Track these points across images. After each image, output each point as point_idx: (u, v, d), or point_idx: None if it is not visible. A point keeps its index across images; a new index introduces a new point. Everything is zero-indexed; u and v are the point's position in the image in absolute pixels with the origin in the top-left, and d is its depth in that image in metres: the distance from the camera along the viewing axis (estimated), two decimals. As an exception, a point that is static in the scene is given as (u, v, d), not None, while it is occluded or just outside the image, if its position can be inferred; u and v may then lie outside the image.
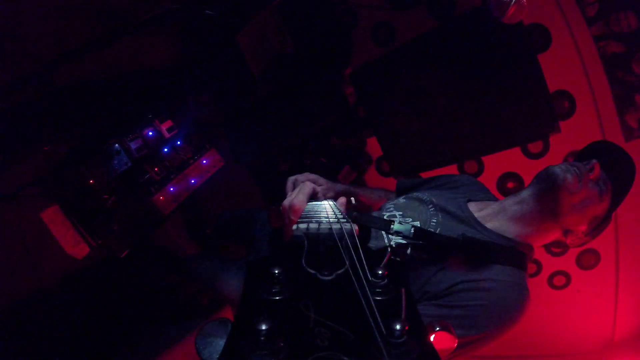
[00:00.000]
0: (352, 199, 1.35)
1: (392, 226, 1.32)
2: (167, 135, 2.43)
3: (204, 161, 2.58)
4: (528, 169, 2.34)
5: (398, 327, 0.53)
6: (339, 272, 0.73)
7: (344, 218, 1.09)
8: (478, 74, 2.07)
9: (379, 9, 2.39)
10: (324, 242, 0.92)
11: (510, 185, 2.38)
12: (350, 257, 0.76)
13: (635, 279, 2.18)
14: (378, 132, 2.32)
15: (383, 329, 0.55)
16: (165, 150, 2.44)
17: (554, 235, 1.34)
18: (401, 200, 1.52)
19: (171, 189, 2.45)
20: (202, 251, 2.31)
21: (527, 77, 1.97)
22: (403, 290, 1.29)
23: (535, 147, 2.30)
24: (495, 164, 2.42)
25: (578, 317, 2.31)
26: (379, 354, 0.51)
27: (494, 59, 2.02)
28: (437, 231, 1.34)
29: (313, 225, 1.03)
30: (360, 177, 2.77)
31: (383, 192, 1.83)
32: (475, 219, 1.36)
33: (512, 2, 1.44)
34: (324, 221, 1.05)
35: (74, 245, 2.09)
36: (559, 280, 2.43)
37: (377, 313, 0.58)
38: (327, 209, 1.25)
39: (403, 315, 1.31)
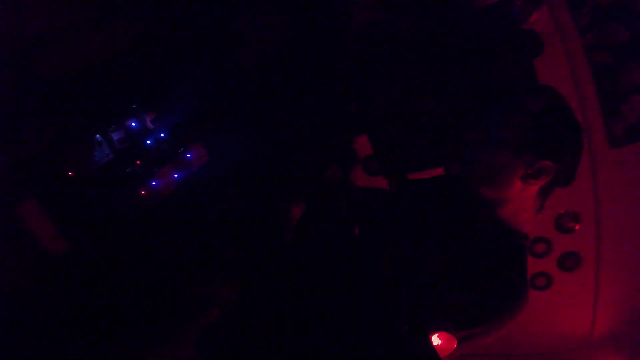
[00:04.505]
0: None
1: None
2: (150, 126, 2.32)
3: (188, 155, 2.49)
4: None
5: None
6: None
7: None
8: (473, 77, 2.10)
9: (374, 8, 2.37)
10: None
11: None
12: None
13: (614, 281, 2.28)
14: (370, 131, 2.31)
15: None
16: (149, 142, 2.34)
17: None
18: None
19: (154, 183, 2.35)
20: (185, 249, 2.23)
21: (521, 80, 2.02)
22: (403, 290, 1.29)
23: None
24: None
25: (559, 317, 2.39)
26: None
27: (490, 62, 2.05)
28: None
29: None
30: (347, 176, 2.75)
31: None
32: None
33: (536, 8, 1.46)
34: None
35: (53, 241, 1.96)
36: (541, 281, 2.48)
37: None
38: None
39: (403, 315, 1.31)
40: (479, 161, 1.36)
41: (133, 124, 2.19)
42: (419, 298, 1.26)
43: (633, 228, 2.16)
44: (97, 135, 2.08)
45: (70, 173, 1.99)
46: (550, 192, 1.32)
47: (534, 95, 1.32)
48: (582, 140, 1.27)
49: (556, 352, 2.32)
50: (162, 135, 2.35)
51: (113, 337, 2.01)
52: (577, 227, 2.34)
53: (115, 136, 2.13)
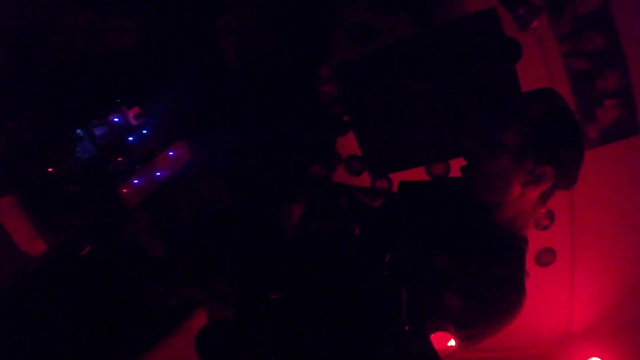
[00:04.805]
0: None
1: None
2: (133, 122, 2.23)
3: (171, 153, 2.41)
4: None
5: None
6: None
7: None
8: (458, 81, 2.16)
9: (360, 8, 2.40)
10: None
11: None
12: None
13: (590, 275, 2.40)
14: (358, 130, 2.33)
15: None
16: (131, 139, 2.24)
17: None
18: None
19: (136, 181, 2.25)
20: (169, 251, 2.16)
21: (504, 84, 2.10)
22: (403, 290, 1.31)
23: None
24: (461, 164, 2.54)
25: (536, 312, 2.49)
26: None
27: (474, 65, 2.13)
28: None
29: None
30: (330, 175, 2.76)
31: None
32: None
33: (536, 16, 1.54)
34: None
35: (30, 241, 1.83)
36: (518, 277, 2.59)
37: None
38: None
39: (403, 315, 1.33)
40: (479, 165, 1.39)
41: (116, 119, 2.09)
42: (419, 298, 1.27)
43: (606, 225, 2.29)
44: (79, 130, 1.98)
45: (50, 169, 1.88)
46: (551, 195, 1.35)
47: (533, 100, 1.35)
48: (583, 144, 1.29)
49: (535, 346, 2.42)
50: (144, 132, 2.26)
51: (93, 341, 1.91)
52: (552, 224, 2.47)
53: (97, 131, 2.02)
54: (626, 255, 2.25)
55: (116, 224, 2.10)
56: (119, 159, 2.16)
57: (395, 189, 1.72)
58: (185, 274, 2.11)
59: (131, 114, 2.17)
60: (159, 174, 2.33)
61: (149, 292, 2.07)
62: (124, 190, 2.17)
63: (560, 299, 2.41)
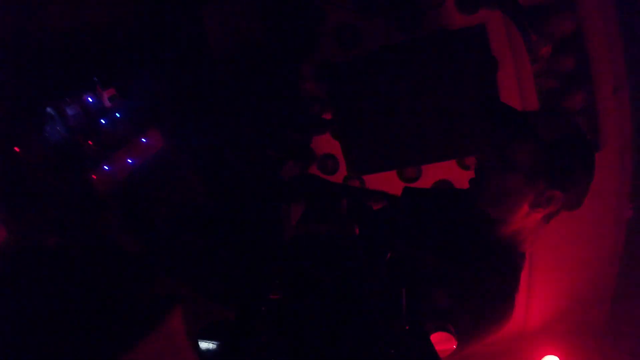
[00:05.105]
0: None
1: None
2: (108, 104, 2.06)
3: (144, 140, 2.25)
4: (460, 178, 2.61)
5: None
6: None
7: None
8: (442, 88, 2.24)
9: (347, 10, 2.41)
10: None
11: (440, 190, 2.64)
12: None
13: (546, 274, 2.56)
14: (342, 130, 2.34)
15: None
16: (103, 122, 2.07)
17: None
18: None
19: (106, 167, 2.08)
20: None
21: (484, 95, 2.21)
22: (403, 290, 1.35)
23: (469, 160, 2.58)
24: (432, 171, 2.64)
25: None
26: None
27: (458, 77, 2.21)
28: None
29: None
30: (303, 173, 2.73)
31: None
32: None
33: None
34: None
35: (-9, 229, 1.64)
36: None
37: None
38: None
39: (403, 315, 1.36)
40: (489, 182, 1.41)
41: (90, 99, 1.92)
42: (419, 298, 1.31)
43: (563, 227, 2.47)
44: (49, 108, 1.80)
45: (16, 148, 1.69)
46: (555, 215, 1.40)
47: (550, 121, 1.38)
48: (594, 171, 1.33)
49: (492, 344, 2.56)
50: (117, 115, 2.10)
51: (60, 343, 1.75)
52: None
53: (69, 111, 1.85)
54: (580, 259, 2.46)
55: (86, 213, 1.93)
56: (90, 142, 1.99)
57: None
58: (164, 271, 1.99)
59: (106, 94, 2.01)
60: (131, 161, 2.18)
61: (123, 289, 1.93)
62: (94, 177, 2.01)
63: (517, 299, 2.57)
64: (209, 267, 1.88)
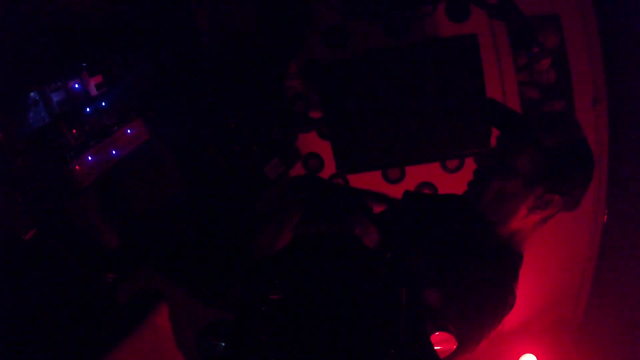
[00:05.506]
0: None
1: None
2: (94, 92, 1.96)
3: (129, 131, 2.16)
4: (443, 181, 2.68)
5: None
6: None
7: None
8: (431, 92, 2.28)
9: (337, 11, 2.42)
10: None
11: (426, 192, 2.70)
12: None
13: (523, 275, 2.65)
14: (332, 129, 2.33)
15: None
16: (88, 110, 1.97)
17: None
18: None
19: (89, 157, 1.98)
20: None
21: (473, 102, 2.26)
22: (403, 290, 1.36)
23: (451, 163, 2.64)
24: (416, 172, 2.69)
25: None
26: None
27: (447, 83, 2.26)
28: None
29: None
30: (287, 171, 2.70)
31: None
32: None
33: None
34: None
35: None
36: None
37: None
38: None
39: (403, 315, 1.38)
40: (489, 185, 1.44)
41: (76, 86, 1.83)
42: (419, 299, 1.32)
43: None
44: (32, 93, 1.69)
45: (-4, 133, 1.58)
46: (552, 217, 1.44)
47: (552, 127, 1.39)
48: (593, 175, 1.38)
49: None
50: (102, 104, 2.00)
51: (39, 341, 1.65)
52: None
53: (54, 97, 1.75)
54: (555, 260, 2.56)
55: (65, 204, 1.83)
56: (74, 131, 1.90)
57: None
58: (144, 264, 1.92)
59: (93, 82, 1.91)
60: (114, 152, 2.09)
61: (104, 285, 1.84)
62: (77, 167, 1.91)
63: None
64: (188, 260, 1.83)
